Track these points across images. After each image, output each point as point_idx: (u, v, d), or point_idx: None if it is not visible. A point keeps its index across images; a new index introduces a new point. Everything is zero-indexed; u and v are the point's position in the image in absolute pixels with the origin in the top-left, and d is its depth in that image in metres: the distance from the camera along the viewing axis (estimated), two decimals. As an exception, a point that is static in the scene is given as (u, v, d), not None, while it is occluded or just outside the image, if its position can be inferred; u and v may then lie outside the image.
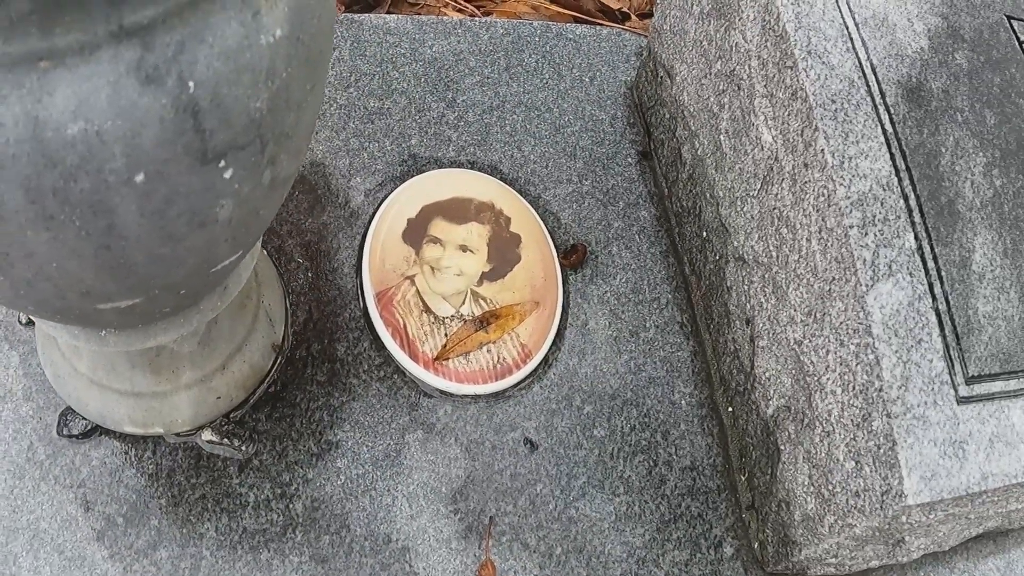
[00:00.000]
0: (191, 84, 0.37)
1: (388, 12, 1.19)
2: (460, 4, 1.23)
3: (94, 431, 0.77)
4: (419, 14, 1.19)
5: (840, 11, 0.80)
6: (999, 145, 0.79)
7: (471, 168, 0.96)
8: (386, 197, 0.91)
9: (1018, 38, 0.91)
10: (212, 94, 0.38)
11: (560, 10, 1.24)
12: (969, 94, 0.81)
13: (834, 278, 0.69)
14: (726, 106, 0.84)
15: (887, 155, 0.72)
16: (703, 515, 0.82)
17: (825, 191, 0.70)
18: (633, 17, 1.27)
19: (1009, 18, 0.95)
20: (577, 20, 1.23)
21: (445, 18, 1.11)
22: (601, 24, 1.23)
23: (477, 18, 1.18)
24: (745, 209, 0.82)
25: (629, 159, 1.01)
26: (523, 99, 1.03)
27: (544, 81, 1.05)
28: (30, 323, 0.83)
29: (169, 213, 0.41)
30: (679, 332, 0.91)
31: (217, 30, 0.38)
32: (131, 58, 0.36)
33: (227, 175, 0.42)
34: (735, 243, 0.84)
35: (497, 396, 0.84)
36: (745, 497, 0.83)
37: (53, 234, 0.39)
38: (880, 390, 0.63)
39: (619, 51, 1.11)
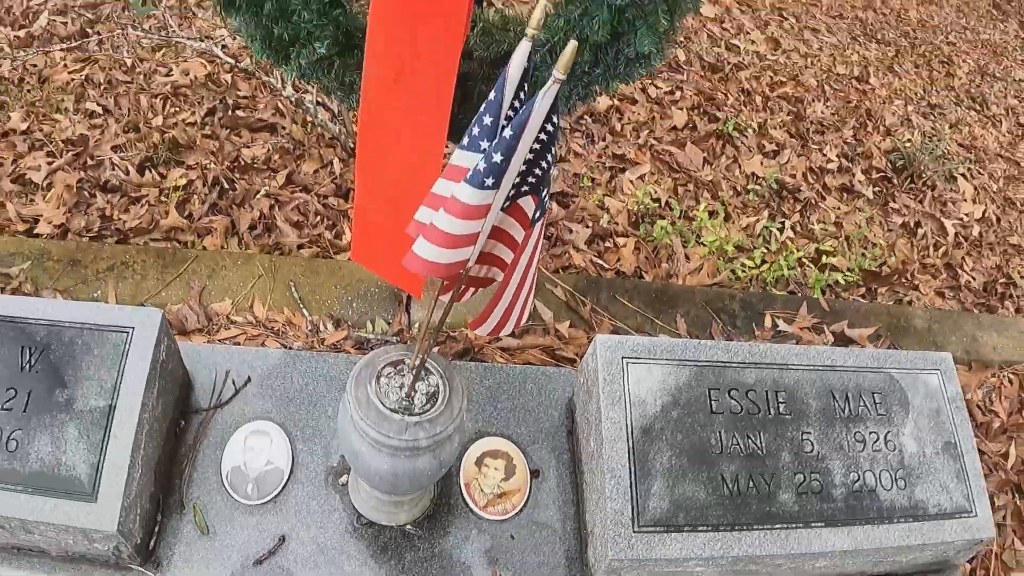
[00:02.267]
0: (441, 455, 1.97)
1: (471, 360, 2.84)
2: (501, 352, 2.87)
3: (367, 521, 2.36)
4: (482, 360, 2.82)
5: (625, 403, 2.39)
6: (682, 448, 2.35)
7: (500, 436, 2.56)
8: (468, 448, 2.52)
9: (710, 399, 2.47)
10: (442, 455, 1.98)
11: (544, 358, 2.87)
12: (673, 428, 2.38)
13: (601, 491, 2.26)
14: (590, 436, 2.44)
15: (627, 457, 2.30)
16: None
17: (600, 469, 2.28)
18: (578, 360, 2.89)
19: (709, 390, 2.50)
20: (555, 362, 2.86)
21: (496, 365, 2.75)
22: (562, 365, 2.86)
23: (508, 364, 2.81)
24: (591, 464, 2.41)
25: (564, 434, 2.61)
26: (524, 406, 2.64)
27: (533, 397, 2.66)
28: (344, 485, 2.44)
29: (429, 468, 2.00)
30: (572, 504, 2.48)
31: (447, 446, 1.98)
32: (428, 449, 1.96)
33: (442, 458, 2.01)
34: (590, 467, 2.42)
35: (502, 521, 2.41)
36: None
37: (402, 476, 1.99)
38: (601, 528, 2.19)
39: (568, 380, 2.72)
